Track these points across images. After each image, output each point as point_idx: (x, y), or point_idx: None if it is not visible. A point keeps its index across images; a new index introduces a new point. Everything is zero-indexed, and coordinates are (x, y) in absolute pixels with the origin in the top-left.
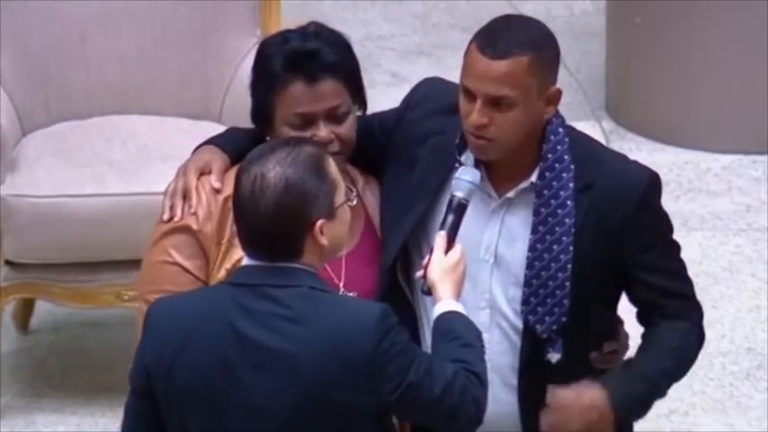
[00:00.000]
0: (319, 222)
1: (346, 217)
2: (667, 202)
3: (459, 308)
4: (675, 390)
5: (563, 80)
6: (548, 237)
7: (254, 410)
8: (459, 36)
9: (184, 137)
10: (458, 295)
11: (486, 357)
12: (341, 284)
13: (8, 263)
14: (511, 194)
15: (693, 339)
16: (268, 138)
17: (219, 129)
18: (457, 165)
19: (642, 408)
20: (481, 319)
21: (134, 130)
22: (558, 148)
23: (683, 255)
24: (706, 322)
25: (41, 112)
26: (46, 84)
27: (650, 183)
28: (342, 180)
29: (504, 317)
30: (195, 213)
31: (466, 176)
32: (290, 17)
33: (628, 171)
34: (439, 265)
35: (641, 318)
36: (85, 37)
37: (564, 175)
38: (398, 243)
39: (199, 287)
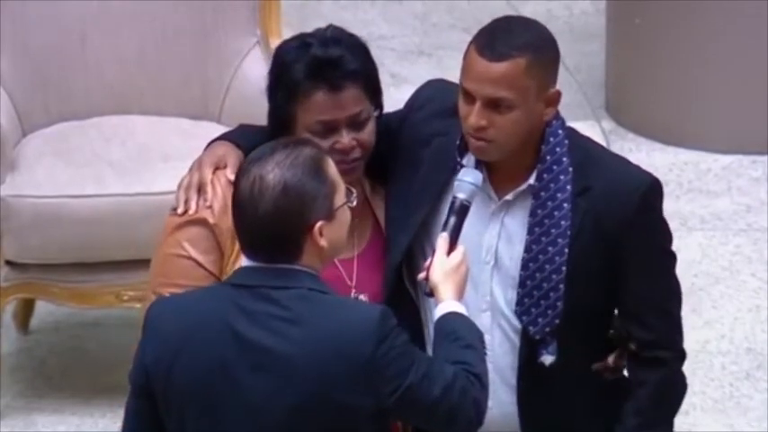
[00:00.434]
0: (318, 224)
1: (346, 218)
2: (667, 203)
3: (461, 309)
4: None
5: (563, 80)
6: (543, 238)
7: (253, 411)
8: (459, 36)
9: (184, 137)
10: (460, 296)
11: (488, 358)
12: (352, 285)
13: (8, 263)
14: (509, 197)
15: (675, 395)
16: None
17: (219, 129)
18: (458, 166)
19: None
20: (482, 321)
21: (134, 131)
22: (558, 150)
23: (684, 255)
24: (707, 322)
25: (41, 112)
26: (46, 84)
27: (651, 187)
28: (341, 181)
29: (505, 318)
30: (211, 207)
31: (468, 178)
32: (290, 17)
33: (628, 175)
34: (441, 266)
35: (622, 329)
36: (85, 37)
37: (562, 177)
38: (403, 244)
39: (199, 287)
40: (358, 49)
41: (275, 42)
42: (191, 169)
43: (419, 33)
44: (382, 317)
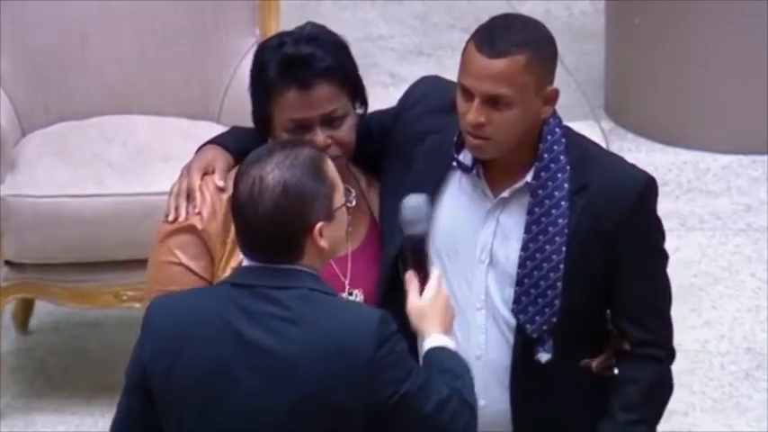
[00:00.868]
0: (318, 225)
1: (345, 219)
2: (667, 203)
3: (446, 343)
4: (675, 390)
5: (562, 80)
6: (540, 237)
7: (252, 411)
8: (459, 36)
9: (184, 137)
10: (446, 327)
11: (482, 357)
12: (346, 282)
13: (8, 263)
14: (506, 194)
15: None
16: (270, 139)
17: (219, 129)
18: (455, 163)
19: None
20: (477, 319)
21: (134, 131)
22: (555, 148)
23: (683, 255)
24: (706, 322)
25: (41, 112)
26: (46, 84)
27: (647, 186)
28: (340, 182)
29: (500, 317)
30: (200, 213)
31: (411, 202)
32: (290, 18)
33: (625, 173)
34: (416, 307)
35: (613, 326)
36: (85, 37)
37: (559, 175)
38: (398, 240)
39: (199, 286)
40: (333, 47)
41: None
42: (180, 176)
43: (419, 33)
44: (383, 320)
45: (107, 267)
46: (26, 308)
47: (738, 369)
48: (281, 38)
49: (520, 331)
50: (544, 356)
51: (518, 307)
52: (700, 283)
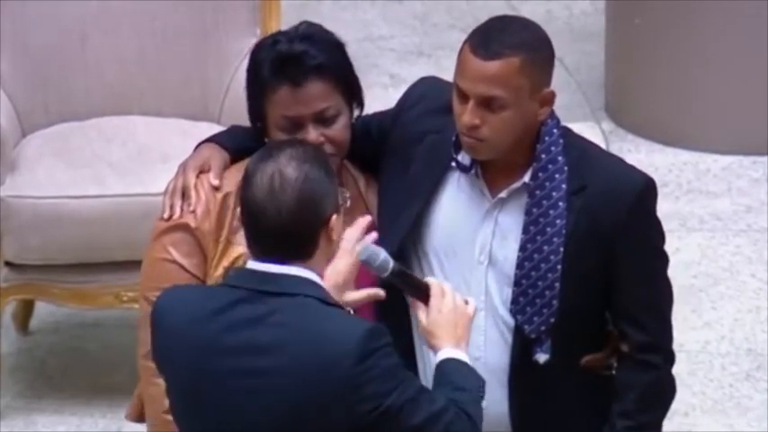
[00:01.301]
0: (334, 217)
1: (342, 216)
2: (667, 203)
3: (456, 354)
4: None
5: (562, 81)
6: (539, 237)
7: (231, 416)
8: (459, 37)
9: (184, 138)
10: (457, 338)
11: (481, 357)
12: None
13: (8, 264)
14: (504, 194)
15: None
16: (266, 138)
17: (219, 130)
18: (453, 164)
19: None
20: (477, 320)
21: (134, 131)
22: (553, 149)
23: (683, 256)
24: (706, 323)
25: (41, 112)
26: (46, 84)
27: (646, 187)
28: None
29: (500, 317)
30: (194, 211)
31: (363, 256)
32: (290, 18)
33: (623, 174)
34: (424, 329)
35: (613, 327)
36: (85, 38)
37: (557, 176)
38: (395, 242)
39: (191, 284)
40: (327, 45)
41: None
42: (176, 174)
43: (419, 34)
44: (369, 335)
45: (107, 268)
46: (26, 308)
47: (739, 370)
48: (276, 36)
49: (518, 332)
50: (542, 357)
51: (516, 308)
52: (700, 284)
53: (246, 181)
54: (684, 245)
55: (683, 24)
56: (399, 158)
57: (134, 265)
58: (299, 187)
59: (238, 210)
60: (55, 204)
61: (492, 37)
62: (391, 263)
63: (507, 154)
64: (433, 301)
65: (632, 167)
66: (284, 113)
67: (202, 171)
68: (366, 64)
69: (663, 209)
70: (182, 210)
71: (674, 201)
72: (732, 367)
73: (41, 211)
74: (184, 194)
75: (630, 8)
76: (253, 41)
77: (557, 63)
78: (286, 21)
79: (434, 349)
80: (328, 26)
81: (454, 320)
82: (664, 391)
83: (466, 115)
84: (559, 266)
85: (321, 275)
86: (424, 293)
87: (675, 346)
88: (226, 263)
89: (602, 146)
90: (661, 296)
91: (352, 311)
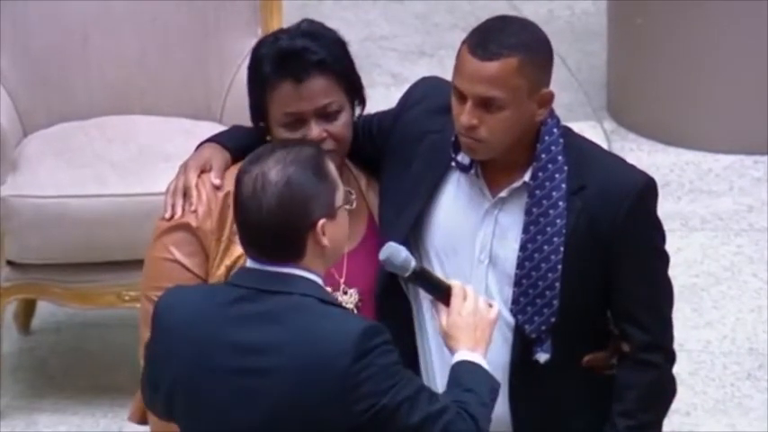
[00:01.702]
0: (321, 222)
1: (346, 219)
2: (669, 203)
3: (470, 357)
4: (677, 390)
5: (564, 80)
6: (539, 237)
7: (230, 415)
8: (461, 37)
9: (186, 137)
10: (475, 341)
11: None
12: (341, 281)
13: (9, 263)
14: (504, 194)
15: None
16: (269, 137)
17: (221, 129)
18: (453, 164)
19: None
20: None
21: (135, 131)
22: (553, 148)
23: (685, 255)
24: (708, 323)
25: (42, 112)
26: (47, 84)
27: (646, 186)
28: (341, 182)
29: (501, 317)
30: (195, 211)
31: (384, 255)
32: (291, 18)
33: (623, 174)
34: (443, 331)
35: (615, 326)
36: (87, 37)
37: (557, 175)
38: (396, 242)
39: (193, 283)
40: (328, 41)
41: None
42: (177, 173)
43: (420, 33)
44: (365, 334)
45: (109, 268)
46: (28, 308)
47: (740, 369)
48: (277, 34)
49: (518, 331)
50: (542, 356)
51: (516, 307)
52: (702, 284)
53: (236, 181)
54: (686, 244)
55: (685, 24)
56: (400, 158)
57: (135, 264)
58: (279, 192)
59: None
60: (56, 204)
61: (490, 37)
62: (413, 262)
63: (507, 154)
64: (454, 302)
65: (632, 167)
66: (286, 110)
67: (204, 171)
68: (368, 64)
69: (664, 208)
70: (183, 209)
71: (676, 200)
72: (733, 367)
73: (43, 211)
74: (186, 194)
75: (632, 8)
76: (254, 41)
77: (559, 62)
78: (287, 20)
79: (452, 351)
80: (330, 26)
81: (474, 323)
82: (665, 391)
83: (464, 116)
84: (560, 266)
85: (319, 274)
86: (445, 294)
87: (676, 346)
88: (228, 262)
89: (604, 145)
90: (661, 296)
91: (355, 310)
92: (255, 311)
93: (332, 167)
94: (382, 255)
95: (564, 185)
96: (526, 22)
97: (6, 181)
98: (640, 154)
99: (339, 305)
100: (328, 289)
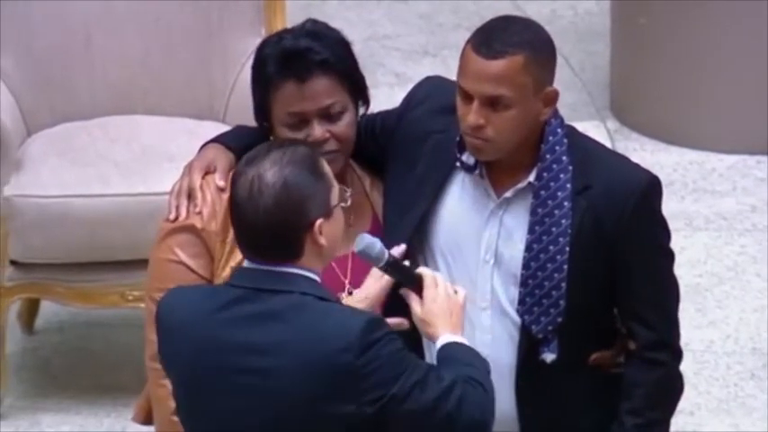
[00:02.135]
0: (318, 222)
1: (341, 217)
2: (672, 203)
3: (454, 338)
4: None
5: (567, 80)
6: (544, 237)
7: (238, 414)
8: (465, 36)
9: (189, 137)
10: (453, 326)
11: (488, 358)
12: (347, 282)
13: (13, 263)
14: (509, 194)
15: (672, 394)
16: (272, 137)
17: (224, 129)
18: (458, 164)
19: None
20: (482, 319)
21: (139, 131)
22: (557, 148)
23: (689, 255)
24: (711, 322)
25: (46, 112)
26: (50, 84)
27: (650, 185)
28: (335, 180)
29: (505, 316)
30: (200, 212)
31: (359, 247)
32: (295, 18)
33: (627, 173)
34: (419, 319)
35: (621, 323)
36: (90, 38)
37: (562, 175)
38: (401, 242)
39: (204, 284)
40: (332, 41)
41: None
42: (181, 175)
43: (424, 33)
44: (368, 327)
45: (112, 267)
46: (31, 308)
47: (744, 369)
48: (281, 34)
49: (525, 330)
50: (549, 356)
51: (523, 308)
52: (705, 284)
53: (232, 183)
54: (690, 244)
55: (688, 24)
56: (404, 158)
57: (139, 264)
58: (276, 193)
59: None
60: (60, 204)
61: (494, 36)
62: (386, 254)
63: (512, 154)
64: (427, 291)
65: (637, 166)
66: (289, 110)
67: (208, 172)
68: (372, 63)
69: (668, 208)
70: (188, 211)
71: (680, 200)
72: (737, 366)
73: (46, 211)
74: (190, 195)
75: (635, 8)
76: (258, 41)
77: (562, 62)
78: (291, 20)
79: (432, 338)
80: (334, 26)
81: (449, 309)
82: (672, 388)
83: (471, 115)
84: (566, 266)
85: (317, 272)
86: (417, 284)
87: (680, 345)
88: (233, 263)
89: (608, 145)
90: (667, 294)
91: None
92: (256, 311)
93: (326, 166)
94: (357, 246)
95: (569, 185)
96: (529, 21)
97: (10, 181)
98: (644, 154)
99: (338, 302)
100: (332, 290)
